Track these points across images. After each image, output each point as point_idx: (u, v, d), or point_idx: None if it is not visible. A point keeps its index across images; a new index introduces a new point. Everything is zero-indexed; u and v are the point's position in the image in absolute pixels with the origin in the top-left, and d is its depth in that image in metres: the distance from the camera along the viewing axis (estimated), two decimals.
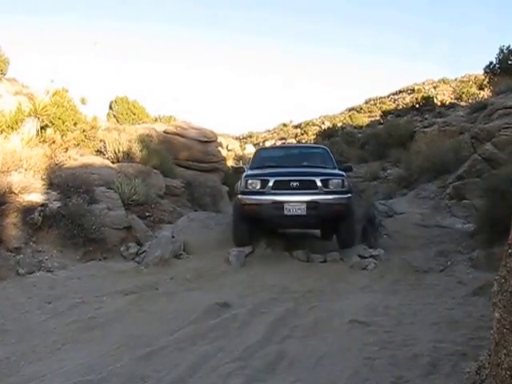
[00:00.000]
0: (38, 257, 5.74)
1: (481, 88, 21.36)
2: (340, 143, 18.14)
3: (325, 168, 6.82)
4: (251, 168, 7.02)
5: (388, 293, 4.67)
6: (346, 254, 6.28)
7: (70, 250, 6.13)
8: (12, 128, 7.82)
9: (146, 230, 7.18)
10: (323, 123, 32.82)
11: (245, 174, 6.68)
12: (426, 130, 14.21)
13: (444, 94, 28.22)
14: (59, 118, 8.66)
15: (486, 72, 15.09)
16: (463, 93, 23.99)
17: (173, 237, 6.84)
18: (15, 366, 2.99)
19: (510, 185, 5.58)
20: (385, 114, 24.34)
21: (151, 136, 11.61)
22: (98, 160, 8.77)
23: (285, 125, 38.79)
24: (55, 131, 8.45)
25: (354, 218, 6.59)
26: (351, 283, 5.15)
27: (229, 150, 19.16)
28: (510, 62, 13.60)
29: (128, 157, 9.56)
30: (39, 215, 6.10)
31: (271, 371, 2.82)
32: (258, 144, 27.96)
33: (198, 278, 5.44)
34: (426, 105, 20.24)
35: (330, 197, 6.15)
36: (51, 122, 8.47)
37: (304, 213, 6.07)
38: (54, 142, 8.17)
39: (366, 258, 6.11)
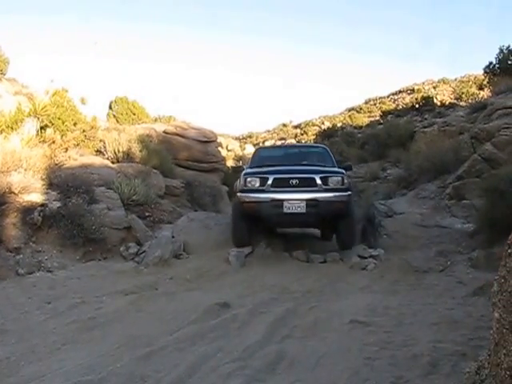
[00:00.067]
0: (37, 257, 5.74)
1: (480, 88, 21.40)
2: (340, 143, 18.16)
3: (324, 166, 6.80)
4: (251, 167, 6.97)
5: (388, 293, 4.67)
6: (346, 255, 6.27)
7: (70, 250, 6.13)
8: (12, 128, 7.82)
9: (145, 230, 7.17)
10: (323, 123, 32.85)
11: (244, 171, 6.65)
12: (425, 130, 14.24)
13: (444, 94, 28.27)
14: (59, 118, 8.66)
15: (485, 72, 15.10)
16: (463, 93, 24.03)
17: (173, 237, 6.84)
18: (15, 366, 2.98)
19: (510, 185, 5.59)
20: (384, 114, 24.38)
21: (151, 136, 11.61)
22: (97, 160, 8.77)
23: (284, 125, 38.82)
24: (55, 131, 8.45)
25: (353, 217, 6.54)
26: (351, 283, 5.14)
27: (228, 150, 19.19)
28: (509, 62, 13.61)
29: (128, 157, 9.56)
30: (39, 215, 6.10)
31: (271, 371, 2.82)
32: (257, 144, 27.94)
33: (197, 278, 5.44)
34: (425, 105, 20.29)
35: (329, 194, 6.10)
36: (51, 122, 8.47)
37: (303, 211, 6.03)
38: (53, 142, 8.18)
39: (365, 258, 6.10)
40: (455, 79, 32.63)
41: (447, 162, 9.07)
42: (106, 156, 9.41)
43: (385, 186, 11.62)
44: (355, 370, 2.77)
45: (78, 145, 8.85)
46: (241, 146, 24.59)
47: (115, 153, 9.46)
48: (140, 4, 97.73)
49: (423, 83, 34.54)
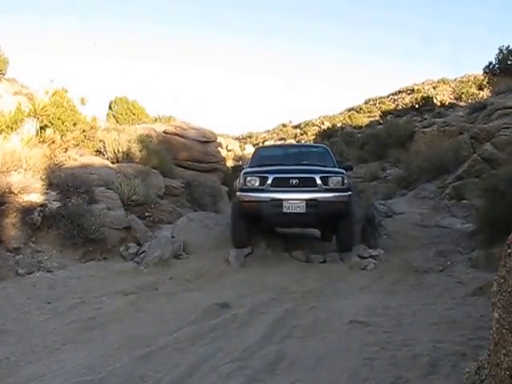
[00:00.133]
0: (37, 257, 5.74)
1: (480, 88, 21.42)
2: (339, 143, 18.12)
3: (325, 166, 6.78)
4: (250, 166, 6.93)
5: (387, 293, 4.67)
6: (346, 255, 6.26)
7: (70, 250, 6.13)
8: (11, 128, 7.82)
9: (145, 230, 7.18)
10: (323, 123, 32.85)
11: (243, 170, 6.63)
12: (425, 130, 14.21)
13: (443, 94, 28.29)
14: (59, 118, 8.66)
15: (485, 72, 15.10)
16: (463, 93, 24.05)
17: (172, 237, 6.83)
18: (15, 367, 2.98)
19: (510, 185, 5.59)
20: (384, 114, 24.36)
21: (151, 136, 11.61)
22: (97, 160, 8.78)
23: (284, 125, 38.82)
24: (55, 131, 8.45)
25: (353, 218, 6.52)
26: (351, 283, 5.15)
27: (228, 151, 19.19)
28: (509, 63, 13.61)
29: (127, 157, 9.57)
30: (39, 215, 6.10)
31: (271, 371, 2.82)
32: (257, 144, 27.93)
33: (197, 278, 5.44)
34: (425, 105, 20.27)
35: (329, 195, 6.08)
36: (51, 122, 8.47)
37: (303, 210, 6.01)
38: (53, 142, 8.18)
39: (365, 258, 6.10)
40: (455, 79, 32.66)
41: (447, 162, 9.06)
42: (106, 156, 9.42)
43: (384, 186, 11.59)
44: (355, 370, 2.77)
45: (77, 145, 8.85)
46: (240, 146, 24.60)
47: (115, 153, 9.47)
48: (140, 4, 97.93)
49: (423, 83, 34.55)
